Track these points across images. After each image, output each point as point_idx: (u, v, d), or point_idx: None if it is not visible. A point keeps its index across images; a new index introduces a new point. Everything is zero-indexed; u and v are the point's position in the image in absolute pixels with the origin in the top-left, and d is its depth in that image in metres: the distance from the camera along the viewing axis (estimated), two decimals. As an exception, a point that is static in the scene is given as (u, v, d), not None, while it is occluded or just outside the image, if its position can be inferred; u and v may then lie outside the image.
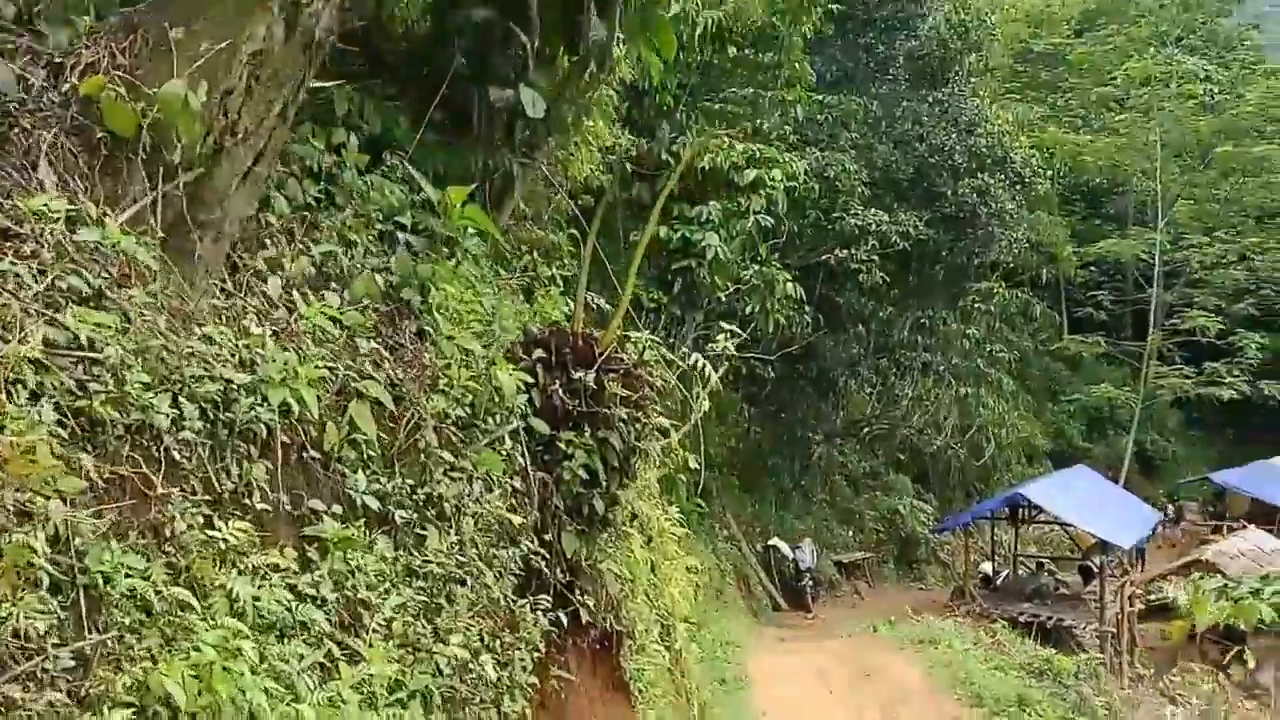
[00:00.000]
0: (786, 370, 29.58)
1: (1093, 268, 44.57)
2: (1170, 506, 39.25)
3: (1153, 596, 31.75)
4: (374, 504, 5.00)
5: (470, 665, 5.10)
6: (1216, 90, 41.22)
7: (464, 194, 6.51)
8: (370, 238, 6.37)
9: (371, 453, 5.14)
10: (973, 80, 30.15)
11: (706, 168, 18.27)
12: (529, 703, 5.86)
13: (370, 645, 4.47)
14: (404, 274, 6.13)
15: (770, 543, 29.18)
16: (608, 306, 9.41)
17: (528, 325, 7.34)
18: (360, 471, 5.02)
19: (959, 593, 29.07)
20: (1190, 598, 18.47)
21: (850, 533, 32.58)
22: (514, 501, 6.26)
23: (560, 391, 6.84)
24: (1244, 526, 35.21)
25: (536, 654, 5.91)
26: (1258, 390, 39.23)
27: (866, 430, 32.70)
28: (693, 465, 19.22)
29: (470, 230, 6.99)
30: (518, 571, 6.04)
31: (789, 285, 20.23)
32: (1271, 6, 52.15)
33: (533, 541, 6.32)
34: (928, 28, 28.70)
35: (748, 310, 20.69)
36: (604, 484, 6.92)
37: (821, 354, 29.31)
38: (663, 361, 7.91)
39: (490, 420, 6.13)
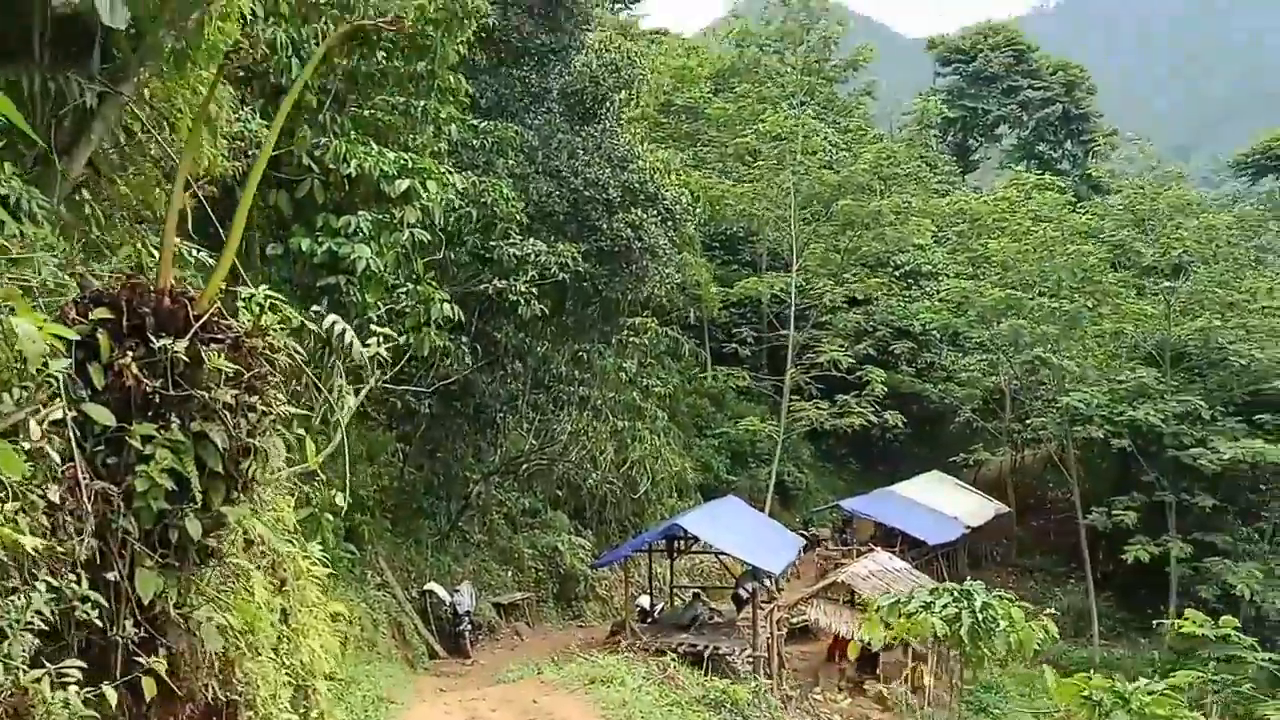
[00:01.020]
0: (443, 408, 27.80)
1: (733, 309, 45.77)
2: (806, 532, 40.42)
3: (794, 620, 32.31)
4: None
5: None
6: (835, 151, 43.61)
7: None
8: None
9: None
10: (623, 119, 29.76)
11: (354, 174, 16.15)
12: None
13: None
14: None
15: (426, 587, 27.06)
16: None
17: (85, 276, 5.05)
18: None
19: (619, 627, 28.13)
20: (864, 617, 18.14)
21: (509, 573, 30.90)
22: (48, 521, 4.02)
23: (134, 367, 4.64)
24: (871, 549, 36.71)
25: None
26: (881, 421, 41.48)
27: (525, 467, 31.22)
28: (340, 503, 16.89)
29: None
30: (44, 627, 3.79)
31: (446, 306, 18.33)
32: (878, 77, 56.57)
33: (78, 581, 4.08)
34: (580, 63, 28.03)
35: (402, 335, 18.68)
36: (200, 498, 4.77)
37: (479, 390, 27.69)
38: (290, 330, 5.82)
39: (5, 398, 3.89)
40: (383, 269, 16.09)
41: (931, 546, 38.72)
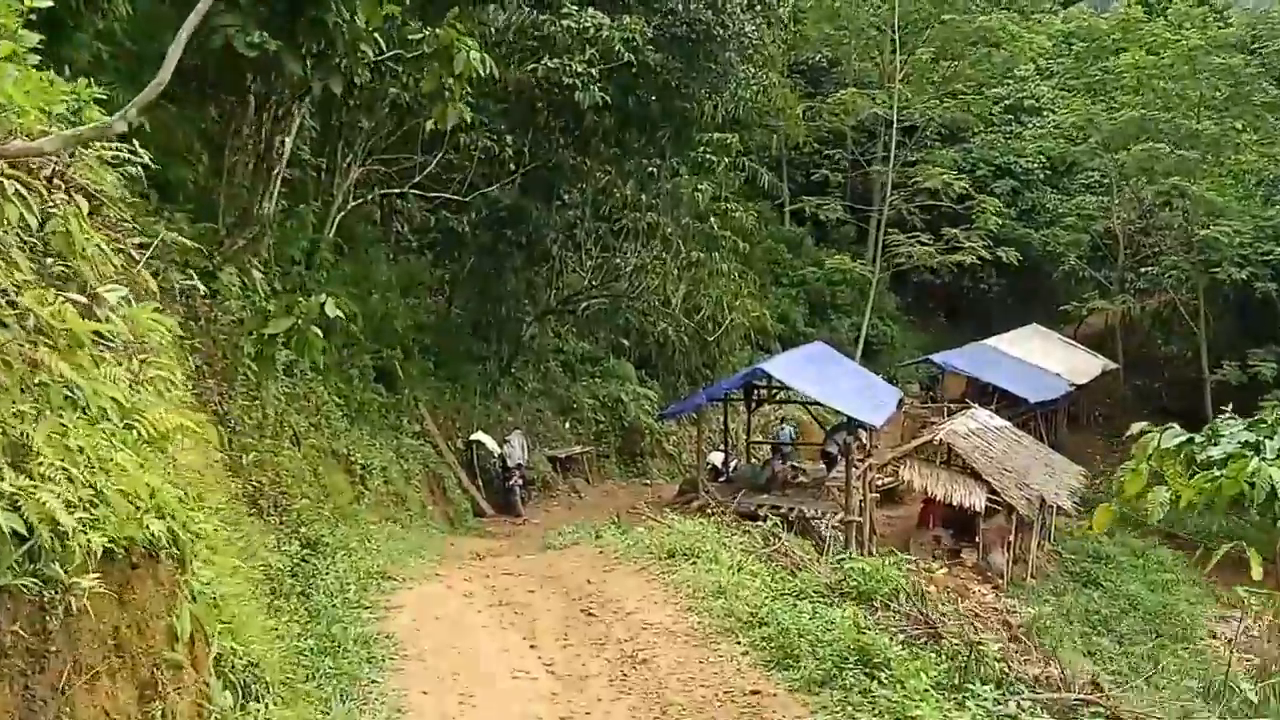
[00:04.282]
0: (492, 239, 22.81)
1: (815, 145, 39.58)
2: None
3: (880, 481, 27.50)
4: None
5: None
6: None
7: None
8: None
9: None
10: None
11: None
12: None
13: None
14: None
15: (473, 438, 22.66)
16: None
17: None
18: None
19: (689, 486, 23.39)
20: (1132, 469, 12.45)
21: (567, 424, 26.18)
22: None
23: None
24: (968, 406, 31.60)
25: None
26: (994, 257, 35.65)
27: (585, 307, 26.07)
28: (332, 312, 11.74)
29: None
30: None
31: (474, 57, 12.91)
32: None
33: None
34: None
35: (421, 94, 13.41)
36: None
37: (531, 218, 22.56)
38: None
39: None
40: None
41: (1031, 405, 33.44)
